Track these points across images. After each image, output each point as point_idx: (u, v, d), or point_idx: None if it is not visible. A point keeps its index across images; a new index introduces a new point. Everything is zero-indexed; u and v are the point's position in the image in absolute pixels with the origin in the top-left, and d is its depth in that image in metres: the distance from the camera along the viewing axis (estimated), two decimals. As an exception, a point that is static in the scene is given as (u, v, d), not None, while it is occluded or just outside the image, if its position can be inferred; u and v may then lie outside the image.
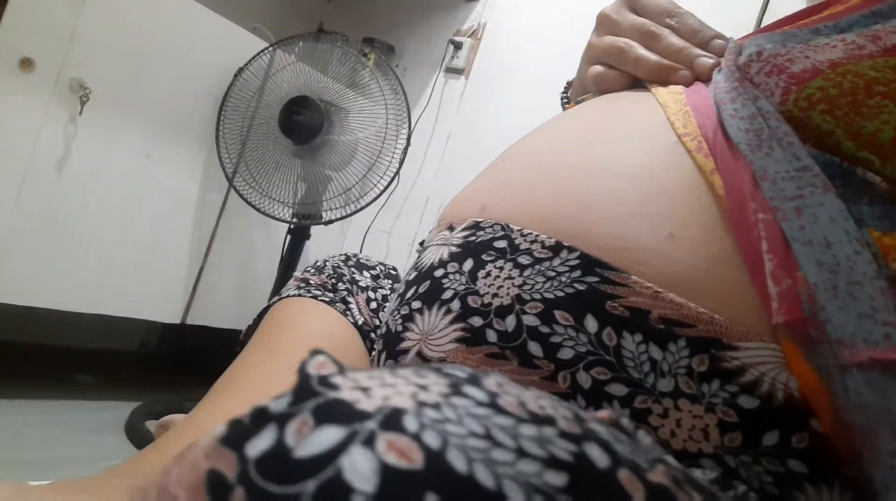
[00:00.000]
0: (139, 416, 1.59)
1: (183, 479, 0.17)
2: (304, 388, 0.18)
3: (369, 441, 0.16)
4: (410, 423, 0.17)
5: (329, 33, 1.70)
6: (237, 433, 0.17)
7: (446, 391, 0.19)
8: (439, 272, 0.42)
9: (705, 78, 0.46)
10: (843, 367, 0.30)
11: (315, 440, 0.16)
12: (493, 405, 0.19)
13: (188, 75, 1.71)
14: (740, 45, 0.45)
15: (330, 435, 0.17)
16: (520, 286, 0.37)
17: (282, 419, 0.17)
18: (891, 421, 0.28)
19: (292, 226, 1.75)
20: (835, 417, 0.31)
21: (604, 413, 0.22)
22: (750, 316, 0.33)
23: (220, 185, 1.81)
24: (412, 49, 2.31)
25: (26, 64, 1.39)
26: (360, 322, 0.56)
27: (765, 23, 1.63)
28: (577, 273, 0.36)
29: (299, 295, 0.58)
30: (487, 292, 0.38)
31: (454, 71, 2.19)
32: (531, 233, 0.39)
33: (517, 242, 0.39)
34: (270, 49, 1.75)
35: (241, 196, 1.73)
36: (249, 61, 1.74)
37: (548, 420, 0.19)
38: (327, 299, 0.57)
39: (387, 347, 0.44)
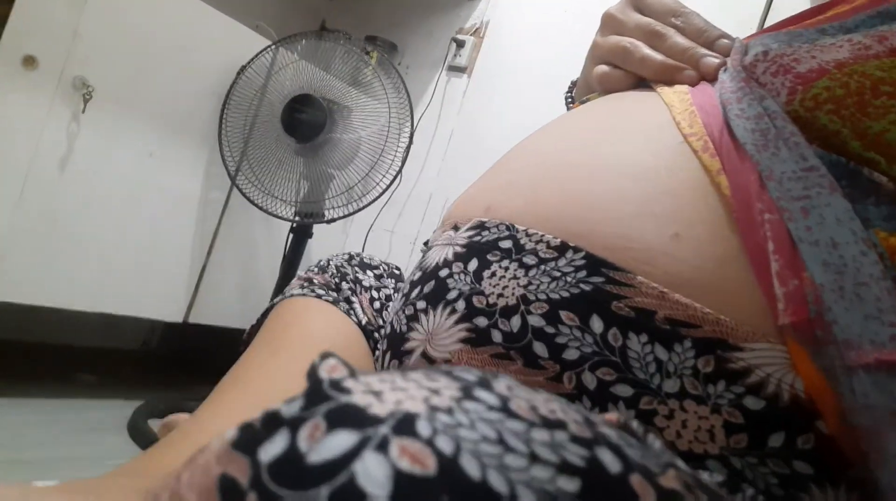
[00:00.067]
0: (142, 415, 1.59)
1: (195, 483, 0.17)
2: (316, 392, 0.18)
3: (382, 446, 0.16)
4: (423, 428, 0.17)
5: (332, 31, 1.70)
6: (249, 438, 0.17)
7: (458, 395, 0.19)
8: (444, 272, 0.42)
9: (711, 78, 0.46)
10: (849, 368, 0.29)
11: (328, 445, 0.16)
12: (505, 409, 0.19)
13: (191, 74, 1.71)
14: (746, 44, 0.45)
15: (343, 440, 0.17)
16: (525, 287, 0.37)
17: (294, 424, 0.17)
18: (897, 423, 0.28)
19: (295, 224, 1.76)
20: (841, 418, 0.31)
21: (612, 416, 0.21)
22: (756, 317, 0.33)
23: (222, 183, 1.81)
24: (415, 47, 2.31)
25: (29, 62, 1.39)
26: (363, 322, 0.56)
27: (768, 21, 1.63)
28: (583, 273, 0.36)
29: (303, 295, 0.58)
30: (492, 293, 0.38)
31: (457, 69, 2.19)
32: (536, 233, 0.39)
33: (522, 242, 0.39)
34: (273, 47, 1.75)
35: (244, 195, 1.73)
36: (252, 59, 1.74)
37: (559, 424, 0.19)
38: (331, 299, 0.57)
39: (391, 347, 0.44)
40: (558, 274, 0.37)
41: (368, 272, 0.62)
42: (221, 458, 0.17)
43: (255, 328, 0.60)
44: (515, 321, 0.37)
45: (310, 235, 1.77)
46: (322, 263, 0.63)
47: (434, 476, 0.16)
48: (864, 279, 0.30)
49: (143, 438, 1.50)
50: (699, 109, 0.41)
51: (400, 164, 1.64)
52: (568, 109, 0.62)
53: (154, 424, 1.58)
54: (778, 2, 1.64)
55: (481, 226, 0.42)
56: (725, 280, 0.34)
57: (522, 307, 0.37)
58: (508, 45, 2.12)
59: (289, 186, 1.71)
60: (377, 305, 0.59)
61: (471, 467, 0.16)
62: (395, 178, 1.64)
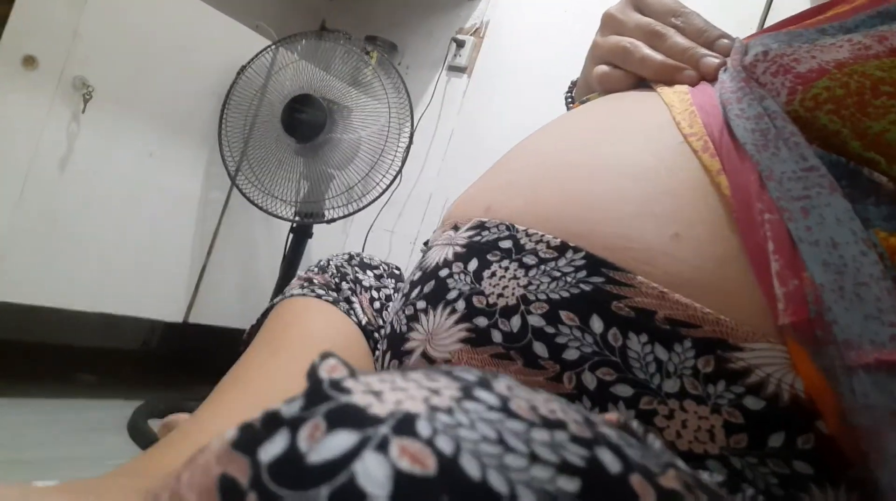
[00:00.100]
0: (142, 415, 1.59)
1: (195, 483, 0.17)
2: (316, 392, 0.18)
3: (382, 446, 0.16)
4: (423, 428, 0.17)
5: (332, 31, 1.70)
6: (249, 438, 0.17)
7: (458, 395, 0.19)
8: (444, 272, 0.42)
9: (711, 78, 0.46)
10: (849, 368, 0.29)
11: (328, 445, 0.16)
12: (505, 409, 0.19)
13: (191, 74, 1.71)
14: (746, 44, 0.45)
15: (343, 440, 0.17)
16: (525, 287, 0.37)
17: (294, 424, 0.17)
18: (897, 423, 0.28)
19: (295, 224, 1.76)
20: (841, 418, 0.31)
21: (612, 416, 0.22)
22: (756, 317, 0.33)
23: (222, 183, 1.81)
24: (415, 47, 2.31)
25: (29, 62, 1.39)
26: (363, 322, 0.56)
27: (768, 20, 1.63)
28: (583, 273, 0.36)
29: (303, 295, 0.58)
30: (492, 293, 0.38)
31: (457, 69, 2.19)
32: (536, 233, 0.39)
33: (522, 242, 0.39)
34: (273, 47, 1.75)
35: (244, 195, 1.73)
36: (252, 59, 1.74)
37: (559, 424, 0.19)
38: (331, 299, 0.57)
39: (391, 347, 0.44)
40: (558, 274, 0.37)
41: (368, 272, 0.62)
42: (221, 458, 0.17)
43: (255, 328, 0.60)
44: (515, 321, 0.37)
45: (310, 235, 1.77)
46: (322, 263, 0.63)
47: (434, 476, 0.16)
48: (864, 279, 0.30)
49: (143, 438, 1.50)
50: (699, 109, 0.41)
51: (400, 164, 1.64)
52: (568, 109, 0.62)
53: (154, 424, 1.58)
54: (778, 2, 1.64)
55: (481, 226, 0.42)
56: (725, 280, 0.34)
57: (522, 307, 0.37)
58: (508, 45, 2.12)
59: (289, 186, 1.71)
60: (377, 305, 0.59)
61: (471, 467, 0.16)
62: (395, 178, 1.64)
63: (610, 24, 0.53)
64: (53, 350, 1.99)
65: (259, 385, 0.50)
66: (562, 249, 0.38)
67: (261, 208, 1.72)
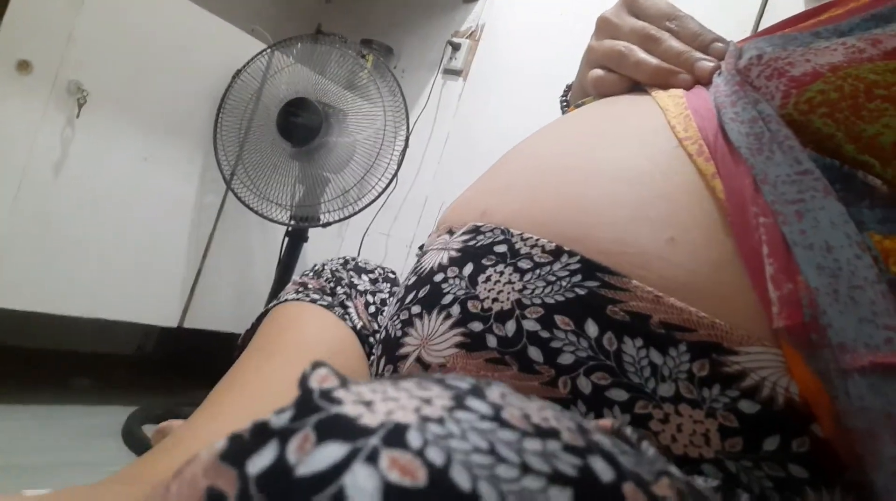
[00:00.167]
0: (136, 421, 1.58)
1: (182, 496, 0.16)
2: (306, 402, 0.18)
3: (372, 458, 0.16)
4: (414, 439, 0.17)
5: (327, 35, 1.70)
6: (238, 449, 0.17)
7: (450, 404, 0.19)
8: (439, 277, 0.42)
9: (706, 81, 0.46)
10: (844, 371, 0.29)
11: (317, 457, 0.16)
12: (497, 418, 0.19)
13: (186, 77, 1.71)
14: (740, 48, 0.45)
15: (332, 452, 0.16)
16: (520, 291, 0.37)
17: (283, 435, 0.17)
18: (892, 426, 0.28)
19: (290, 228, 1.75)
20: (836, 421, 0.31)
21: (606, 422, 0.21)
22: (751, 321, 0.33)
23: (217, 187, 1.81)
24: (410, 50, 2.31)
25: (23, 66, 1.38)
26: (358, 326, 0.56)
27: (764, 20, 1.63)
28: (578, 278, 0.36)
29: (297, 299, 0.58)
30: (487, 297, 0.38)
31: (452, 72, 2.19)
32: (531, 237, 0.39)
33: (517, 246, 0.39)
34: (268, 51, 1.75)
35: (239, 199, 1.73)
36: (247, 63, 1.74)
37: (552, 433, 0.19)
38: (326, 304, 0.57)
39: (386, 352, 0.44)
40: (553, 278, 0.37)
41: (364, 276, 0.62)
42: (209, 471, 0.17)
43: (250, 332, 0.60)
44: (510, 326, 0.37)
45: (305, 238, 1.77)
46: (317, 267, 0.63)
47: (424, 488, 0.16)
48: (858, 283, 0.31)
49: (137, 444, 1.49)
50: (694, 112, 0.41)
51: (396, 167, 1.64)
52: (563, 112, 0.62)
53: (149, 430, 1.57)
54: (773, 3, 1.65)
55: (476, 230, 0.42)
56: (720, 284, 0.34)
57: (517, 312, 0.37)
58: (504, 48, 2.12)
59: (284, 190, 1.71)
60: (372, 309, 0.59)
61: (461, 478, 0.16)
62: (390, 181, 1.64)
63: (605, 27, 0.53)
64: (48, 355, 1.98)
65: (254, 391, 0.50)
66: (557, 253, 0.37)
67: (256, 212, 1.72)
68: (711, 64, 0.46)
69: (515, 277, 0.38)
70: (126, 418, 1.59)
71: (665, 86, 0.47)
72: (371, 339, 0.56)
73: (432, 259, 0.44)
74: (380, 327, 0.56)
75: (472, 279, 0.39)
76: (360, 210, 1.67)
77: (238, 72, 1.74)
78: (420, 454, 0.16)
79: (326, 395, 0.19)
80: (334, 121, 1.65)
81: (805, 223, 0.33)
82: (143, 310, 1.74)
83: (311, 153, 1.67)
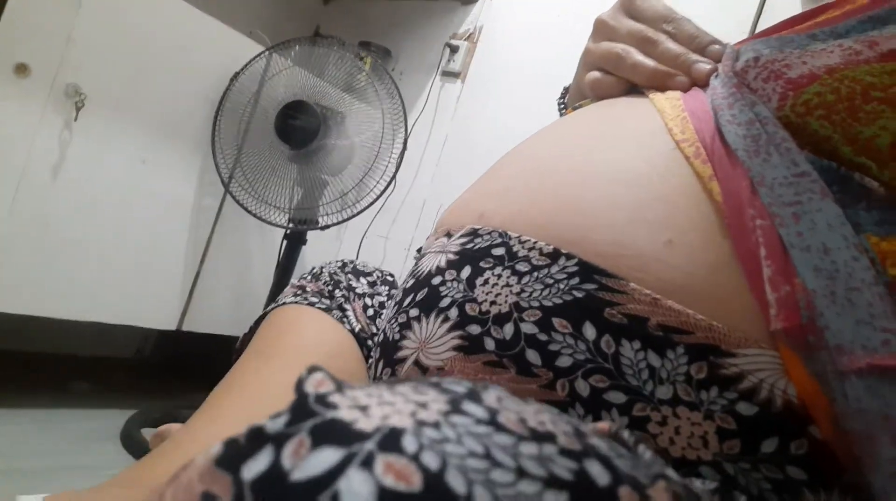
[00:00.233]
0: (135, 424, 1.58)
1: None
2: (302, 407, 0.18)
3: (367, 463, 0.16)
4: (409, 443, 0.17)
5: (325, 37, 1.70)
6: (233, 454, 0.17)
7: (446, 408, 0.19)
8: (437, 280, 0.42)
9: (703, 83, 0.46)
10: (841, 373, 0.30)
11: (312, 462, 0.16)
12: (493, 422, 0.19)
13: (184, 80, 1.70)
14: (737, 50, 0.45)
15: (327, 457, 0.16)
16: (518, 294, 0.37)
17: (278, 440, 0.17)
18: (890, 427, 0.28)
19: (288, 231, 1.75)
20: (833, 423, 0.31)
21: (603, 425, 0.21)
22: (748, 323, 0.33)
23: (215, 190, 1.81)
24: (408, 53, 2.31)
25: (21, 69, 1.38)
26: (356, 329, 0.56)
27: (762, 21, 1.64)
28: (576, 280, 0.36)
29: (296, 302, 0.58)
30: (485, 300, 0.38)
31: (450, 74, 2.19)
32: (529, 240, 0.39)
33: (515, 249, 0.39)
34: (266, 53, 1.75)
35: (237, 201, 1.73)
36: (245, 66, 1.74)
37: (548, 437, 0.19)
38: (324, 307, 0.57)
39: (384, 355, 0.44)
40: (551, 281, 0.37)
41: (362, 279, 0.62)
42: (204, 476, 0.17)
43: (249, 335, 0.60)
44: (508, 329, 0.37)
45: (304, 241, 1.77)
46: (315, 270, 0.63)
47: (419, 493, 0.16)
48: (855, 284, 0.31)
49: (136, 447, 1.49)
50: (691, 115, 0.41)
51: (394, 170, 1.64)
52: (561, 114, 0.62)
53: (147, 433, 1.57)
54: (770, 3, 1.65)
55: (474, 233, 0.42)
56: (718, 286, 0.34)
57: (515, 315, 0.37)
58: (502, 50, 2.12)
59: (282, 193, 1.71)
60: (371, 312, 0.59)
61: (456, 483, 0.16)
62: (389, 184, 1.64)
63: (602, 30, 0.53)
64: (47, 359, 1.98)
65: (252, 393, 0.50)
66: (554, 256, 0.37)
67: (254, 215, 1.72)
68: (708, 66, 0.46)
69: (513, 280, 0.38)
70: (125, 421, 1.59)
71: (662, 88, 0.47)
72: (369, 342, 0.56)
73: (430, 262, 0.44)
74: (378, 330, 0.56)
75: (470, 282, 0.39)
76: (358, 213, 1.67)
77: (236, 74, 1.74)
78: (415, 458, 0.16)
79: (322, 400, 0.19)
80: (332, 123, 1.65)
81: (802, 225, 0.33)
82: (141, 313, 1.74)
83: (309, 156, 1.67)
